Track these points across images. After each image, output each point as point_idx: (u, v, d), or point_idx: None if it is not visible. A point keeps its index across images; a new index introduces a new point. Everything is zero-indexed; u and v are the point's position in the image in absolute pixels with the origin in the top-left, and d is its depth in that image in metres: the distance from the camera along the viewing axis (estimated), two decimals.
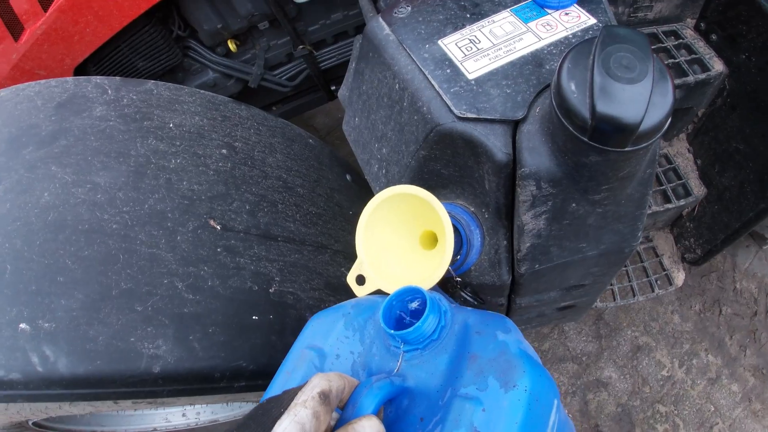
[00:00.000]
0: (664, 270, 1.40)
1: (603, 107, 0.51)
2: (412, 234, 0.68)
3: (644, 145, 0.54)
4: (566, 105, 0.54)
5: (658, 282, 1.39)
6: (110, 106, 0.94)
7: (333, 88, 1.57)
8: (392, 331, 0.48)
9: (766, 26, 0.94)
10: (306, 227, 1.05)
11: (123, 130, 0.91)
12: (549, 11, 0.73)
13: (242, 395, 0.91)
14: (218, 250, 0.89)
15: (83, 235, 0.79)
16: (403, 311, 0.53)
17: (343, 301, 1.01)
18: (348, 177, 1.30)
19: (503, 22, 0.73)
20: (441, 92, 0.67)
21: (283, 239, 0.99)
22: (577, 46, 0.56)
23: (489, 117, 0.64)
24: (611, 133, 0.53)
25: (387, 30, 0.78)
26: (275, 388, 0.55)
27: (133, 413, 1.36)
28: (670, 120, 0.54)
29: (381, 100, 0.80)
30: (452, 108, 0.65)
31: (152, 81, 1.02)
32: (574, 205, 0.67)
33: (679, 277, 1.39)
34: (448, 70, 0.69)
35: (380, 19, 0.80)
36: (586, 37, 0.69)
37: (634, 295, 1.38)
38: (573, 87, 0.54)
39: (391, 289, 0.60)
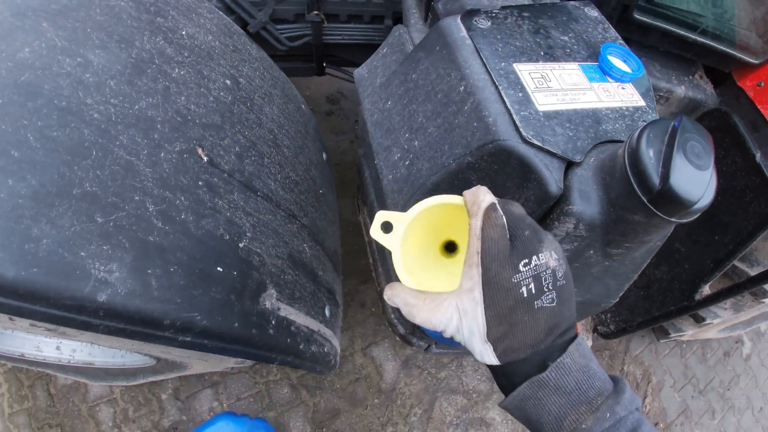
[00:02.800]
0: None
1: (675, 180, 0.56)
2: (434, 240, 0.66)
3: (684, 220, 0.61)
4: (640, 166, 0.58)
5: None
6: None
7: (324, 65, 1.52)
8: None
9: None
10: (284, 191, 0.98)
11: (134, 16, 0.78)
12: (610, 80, 0.79)
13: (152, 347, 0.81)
14: (199, 183, 0.79)
15: (57, 113, 0.65)
16: None
17: (299, 277, 0.95)
18: (324, 156, 1.25)
19: (571, 72, 0.77)
20: (512, 111, 0.68)
21: (263, 196, 0.91)
22: (656, 123, 0.61)
23: (551, 150, 0.66)
24: (670, 202, 0.58)
25: (464, 33, 0.77)
26: None
27: (3, 332, 1.12)
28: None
29: (433, 95, 0.79)
30: (521, 129, 0.67)
31: None
32: (591, 252, 0.72)
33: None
34: (520, 94, 0.71)
35: (458, 20, 0.79)
36: (636, 115, 0.76)
37: None
38: (651, 154, 0.58)
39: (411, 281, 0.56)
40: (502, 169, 0.70)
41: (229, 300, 0.77)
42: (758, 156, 1.03)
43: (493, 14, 0.81)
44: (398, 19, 1.38)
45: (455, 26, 0.78)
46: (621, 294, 0.82)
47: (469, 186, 0.76)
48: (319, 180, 1.16)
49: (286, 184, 1.00)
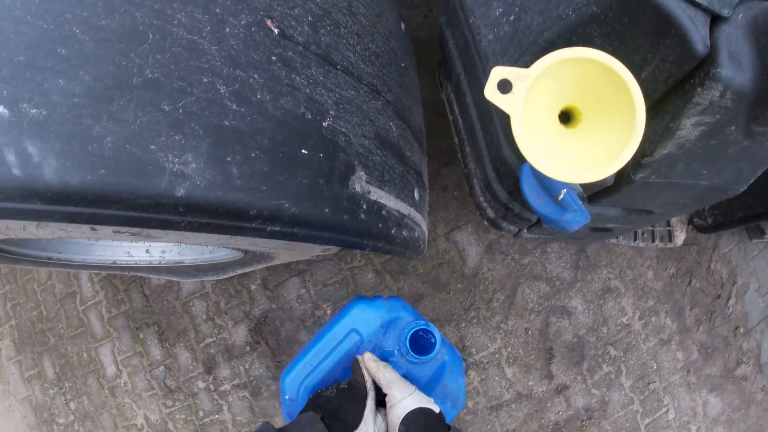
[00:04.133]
0: (669, 226, 1.41)
1: None
2: (554, 106, 0.56)
3: None
4: None
5: (660, 235, 1.40)
6: None
7: None
8: (415, 355, 0.88)
9: None
10: (364, 64, 0.87)
11: None
12: None
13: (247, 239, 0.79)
14: (273, 58, 0.71)
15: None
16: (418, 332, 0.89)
17: (388, 158, 0.89)
18: (403, 26, 1.11)
19: None
20: None
21: (343, 70, 0.82)
22: None
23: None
24: None
25: None
26: (323, 344, 0.89)
27: (96, 243, 1.19)
28: None
29: None
30: None
31: None
32: (733, 128, 0.62)
33: (680, 237, 1.40)
34: None
35: None
36: None
37: (635, 239, 1.38)
38: None
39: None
40: (633, 22, 0.57)
41: (317, 184, 0.72)
42: None
43: None
44: None
45: None
46: (751, 182, 0.69)
47: (591, 43, 0.62)
48: (399, 52, 1.04)
49: (367, 57, 0.89)
